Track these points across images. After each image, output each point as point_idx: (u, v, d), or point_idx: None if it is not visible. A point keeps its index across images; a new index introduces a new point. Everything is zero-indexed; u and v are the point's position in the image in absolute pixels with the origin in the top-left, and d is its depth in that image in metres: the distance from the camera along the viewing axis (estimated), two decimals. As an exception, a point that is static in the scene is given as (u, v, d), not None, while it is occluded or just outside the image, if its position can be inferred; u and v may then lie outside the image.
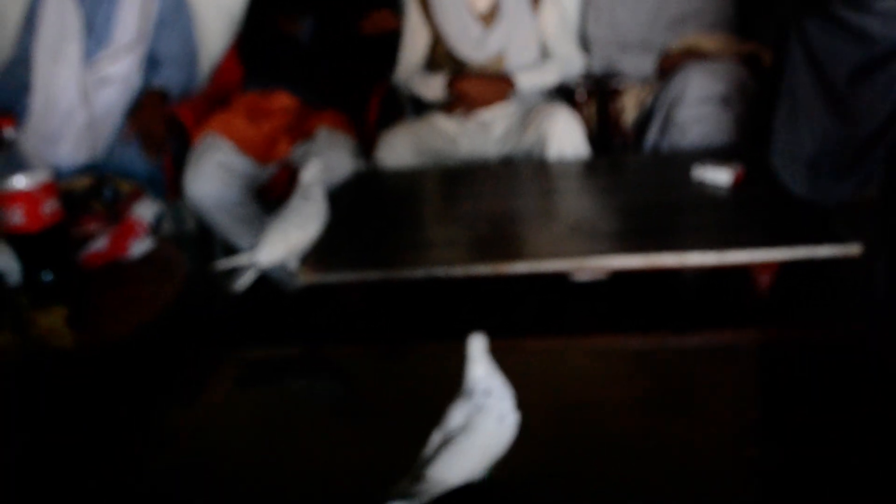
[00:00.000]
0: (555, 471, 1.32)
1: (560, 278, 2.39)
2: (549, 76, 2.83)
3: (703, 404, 1.47)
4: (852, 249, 1.85)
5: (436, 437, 1.22)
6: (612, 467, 1.32)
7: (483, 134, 2.77)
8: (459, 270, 1.93)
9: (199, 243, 2.77)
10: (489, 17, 2.80)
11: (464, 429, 1.20)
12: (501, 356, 1.28)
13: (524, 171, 2.57)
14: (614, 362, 1.65)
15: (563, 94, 2.90)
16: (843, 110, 2.09)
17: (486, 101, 2.74)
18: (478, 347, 1.24)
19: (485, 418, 1.21)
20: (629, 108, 2.84)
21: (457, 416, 1.22)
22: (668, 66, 2.78)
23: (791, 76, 2.17)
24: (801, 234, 1.90)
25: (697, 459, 1.32)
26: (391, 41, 2.91)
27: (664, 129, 2.63)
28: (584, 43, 3.04)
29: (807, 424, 1.38)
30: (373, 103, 2.86)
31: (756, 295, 1.98)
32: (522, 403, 1.25)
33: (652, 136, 2.67)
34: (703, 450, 1.34)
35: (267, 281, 2.33)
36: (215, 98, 2.94)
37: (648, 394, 1.51)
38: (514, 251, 2.00)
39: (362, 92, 2.89)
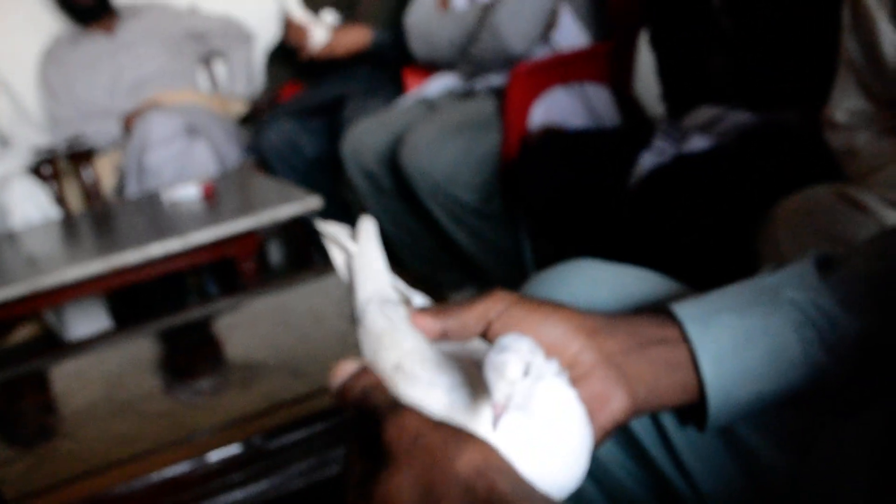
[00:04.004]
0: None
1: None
2: (11, 162, 2.63)
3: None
4: (313, 204, 1.88)
5: None
6: None
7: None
8: None
9: None
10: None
11: None
12: None
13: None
14: None
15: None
16: None
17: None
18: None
19: None
20: (105, 174, 2.72)
21: None
22: (131, 122, 2.72)
23: None
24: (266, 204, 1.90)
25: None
26: None
27: (140, 179, 2.54)
28: (51, 118, 2.90)
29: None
30: None
31: (245, 278, 1.93)
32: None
33: (130, 189, 2.57)
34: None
35: None
36: None
37: None
38: None
39: None
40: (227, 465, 1.09)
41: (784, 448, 0.65)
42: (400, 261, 2.38)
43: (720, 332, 0.56)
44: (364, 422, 0.50)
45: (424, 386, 0.49)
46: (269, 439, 1.11)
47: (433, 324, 0.55)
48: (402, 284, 0.57)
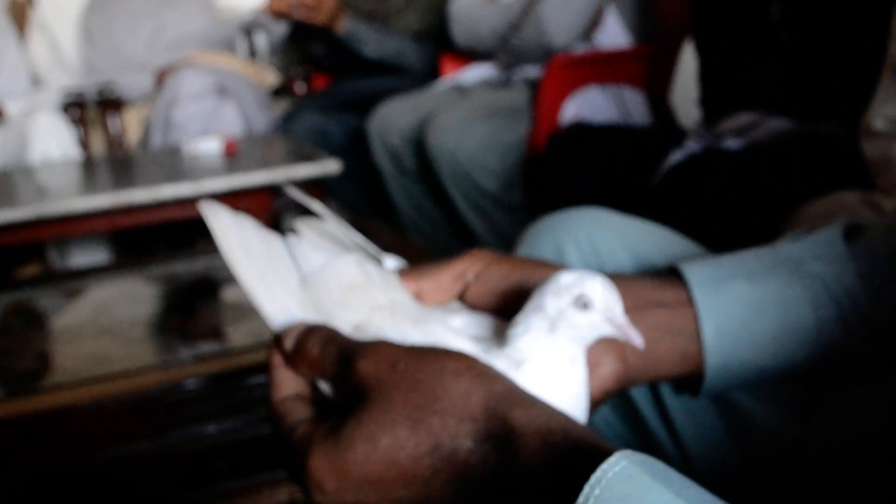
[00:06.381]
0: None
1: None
2: (40, 97, 2.63)
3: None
4: (330, 167, 1.84)
5: None
6: None
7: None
8: None
9: None
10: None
11: None
12: None
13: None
14: None
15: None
16: None
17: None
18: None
19: None
20: (132, 126, 2.71)
21: None
22: (164, 77, 2.71)
23: None
24: (283, 162, 1.87)
25: None
26: None
27: (165, 133, 2.52)
28: (87, 66, 2.89)
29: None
30: None
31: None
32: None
33: (155, 142, 2.55)
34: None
35: None
36: None
37: None
38: None
39: None
40: (201, 394, 1.05)
41: (783, 412, 0.61)
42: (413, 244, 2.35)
43: (730, 300, 0.51)
44: (327, 376, 0.43)
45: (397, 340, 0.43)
46: (248, 375, 1.07)
47: (406, 285, 0.49)
48: (372, 247, 0.51)
